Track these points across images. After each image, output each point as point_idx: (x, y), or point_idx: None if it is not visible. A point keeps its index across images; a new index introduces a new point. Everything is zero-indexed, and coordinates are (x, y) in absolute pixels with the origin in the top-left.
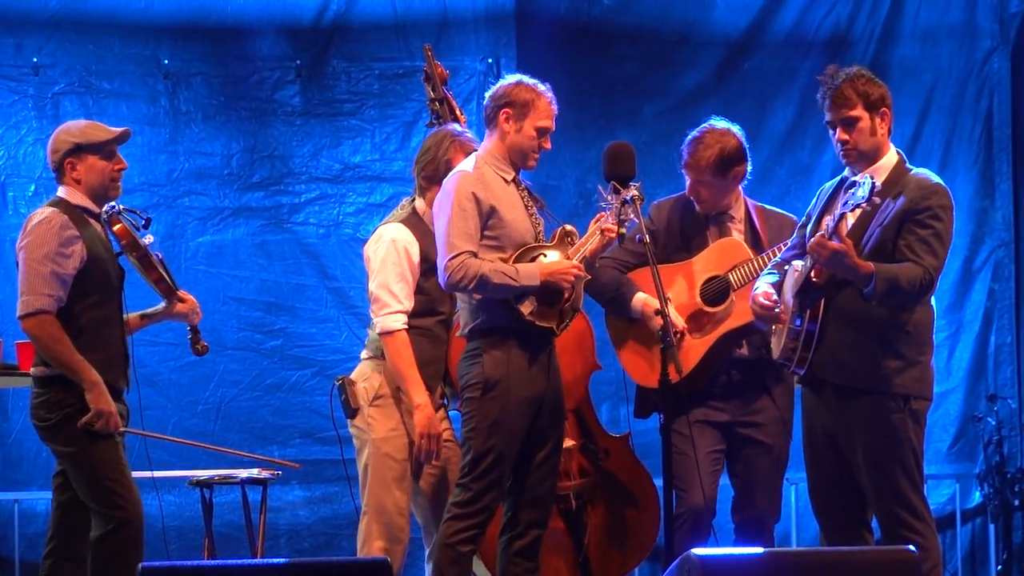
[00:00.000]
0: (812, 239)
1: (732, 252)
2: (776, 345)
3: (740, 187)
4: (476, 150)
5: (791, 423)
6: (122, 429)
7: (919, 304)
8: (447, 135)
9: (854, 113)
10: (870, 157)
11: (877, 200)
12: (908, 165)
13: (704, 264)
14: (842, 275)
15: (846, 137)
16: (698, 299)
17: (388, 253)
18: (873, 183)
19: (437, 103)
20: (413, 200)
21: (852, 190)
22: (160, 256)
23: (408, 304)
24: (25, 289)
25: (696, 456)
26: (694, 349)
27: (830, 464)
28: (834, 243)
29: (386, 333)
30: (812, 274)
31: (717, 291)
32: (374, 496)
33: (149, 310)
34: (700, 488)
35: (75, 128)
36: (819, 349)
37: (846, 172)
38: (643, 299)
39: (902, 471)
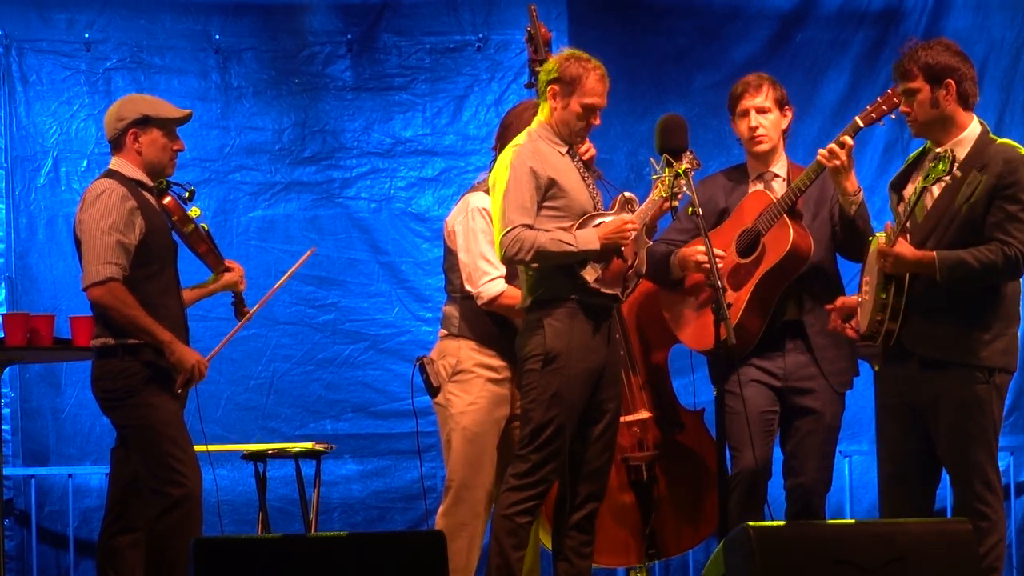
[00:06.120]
0: (879, 245)
1: (756, 202)
2: (862, 319)
3: (783, 144)
4: None
5: (843, 393)
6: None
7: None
8: (527, 108)
9: (913, 85)
10: (936, 128)
11: (958, 173)
12: (992, 136)
13: (735, 222)
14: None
15: (906, 109)
16: (734, 255)
17: (476, 222)
18: (953, 158)
19: (538, 64)
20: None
21: (933, 163)
22: (207, 228)
23: (503, 269)
24: (91, 259)
25: (748, 416)
26: (736, 301)
27: (912, 438)
28: (893, 250)
29: (492, 299)
30: (898, 241)
31: (749, 241)
32: (455, 471)
33: (199, 284)
34: (752, 449)
35: (143, 100)
36: (906, 321)
37: (927, 144)
38: (681, 253)
39: (982, 443)
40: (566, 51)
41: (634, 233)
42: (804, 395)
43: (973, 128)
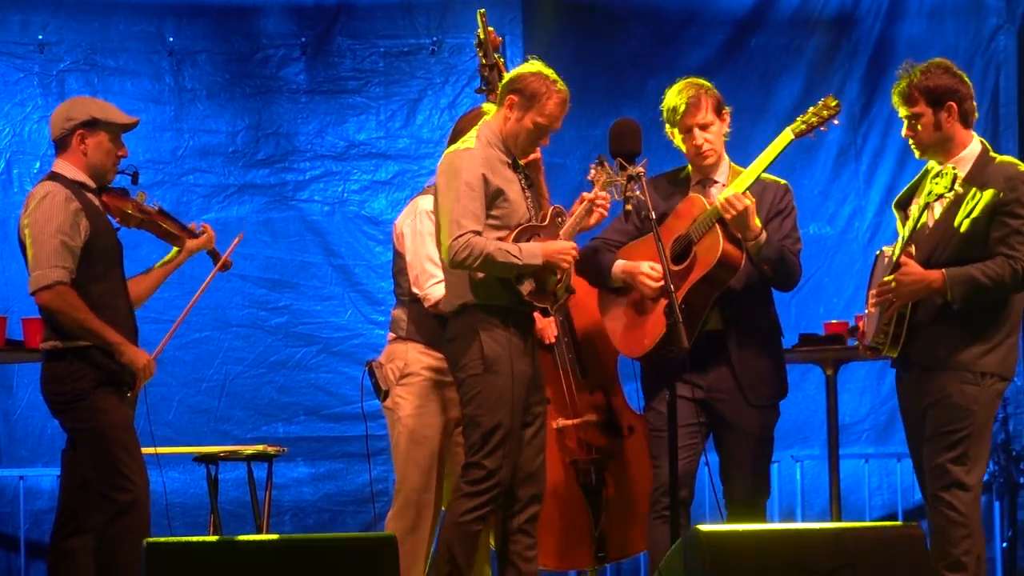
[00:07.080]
0: (879, 283)
1: (691, 208)
2: (868, 329)
3: (723, 147)
4: None
5: (773, 400)
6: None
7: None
8: (481, 114)
9: (916, 110)
10: (939, 150)
11: (960, 189)
12: (992, 154)
13: (671, 227)
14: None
15: (910, 133)
16: (669, 262)
17: (424, 224)
18: (955, 175)
19: (488, 69)
20: None
21: (936, 180)
22: (158, 207)
23: None
24: (37, 263)
25: (670, 430)
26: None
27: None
28: (903, 278)
29: (438, 302)
30: (902, 259)
31: (682, 249)
32: (403, 474)
33: (162, 261)
34: (673, 462)
35: (93, 102)
36: (910, 332)
37: (929, 164)
38: (622, 266)
39: (962, 443)
40: (536, 64)
41: (573, 259)
42: (725, 406)
43: (974, 146)
